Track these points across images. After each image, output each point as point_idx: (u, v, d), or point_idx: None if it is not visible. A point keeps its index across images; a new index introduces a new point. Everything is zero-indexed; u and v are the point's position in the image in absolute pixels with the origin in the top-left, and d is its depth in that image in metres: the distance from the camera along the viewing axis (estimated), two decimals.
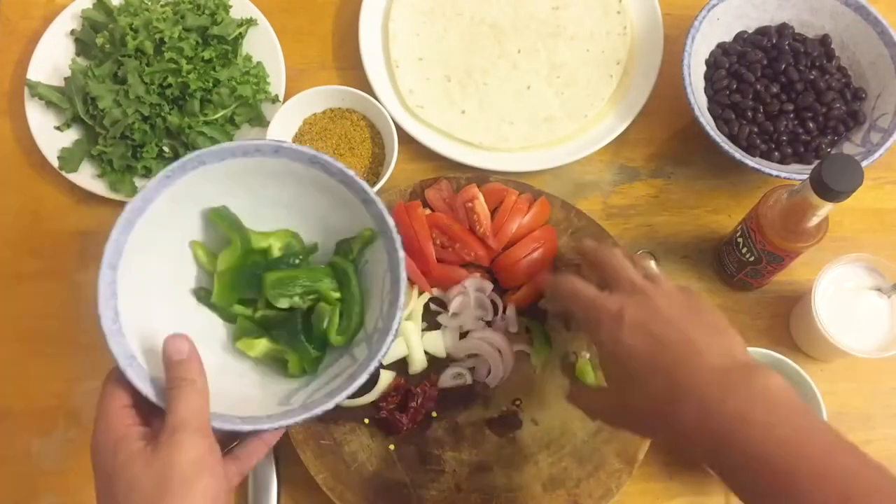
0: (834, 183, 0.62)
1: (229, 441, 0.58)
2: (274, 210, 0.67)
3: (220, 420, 0.55)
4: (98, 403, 0.55)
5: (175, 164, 0.60)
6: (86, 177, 0.83)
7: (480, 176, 0.83)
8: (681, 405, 0.53)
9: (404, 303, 0.60)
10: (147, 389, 0.55)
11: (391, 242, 0.61)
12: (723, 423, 0.51)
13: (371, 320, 0.65)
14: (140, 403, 0.55)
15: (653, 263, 0.75)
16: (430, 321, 0.77)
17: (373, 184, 0.81)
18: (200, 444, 0.51)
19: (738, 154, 0.79)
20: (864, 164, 0.76)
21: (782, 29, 0.85)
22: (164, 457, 0.50)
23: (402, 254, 0.61)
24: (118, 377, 0.56)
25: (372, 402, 0.74)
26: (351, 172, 0.62)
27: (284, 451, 0.76)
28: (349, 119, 0.85)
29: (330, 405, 0.57)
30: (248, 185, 0.64)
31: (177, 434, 0.51)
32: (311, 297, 0.66)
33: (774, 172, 0.79)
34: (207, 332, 0.65)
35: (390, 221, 0.61)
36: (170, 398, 0.53)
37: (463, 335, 0.77)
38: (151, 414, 0.55)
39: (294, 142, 0.84)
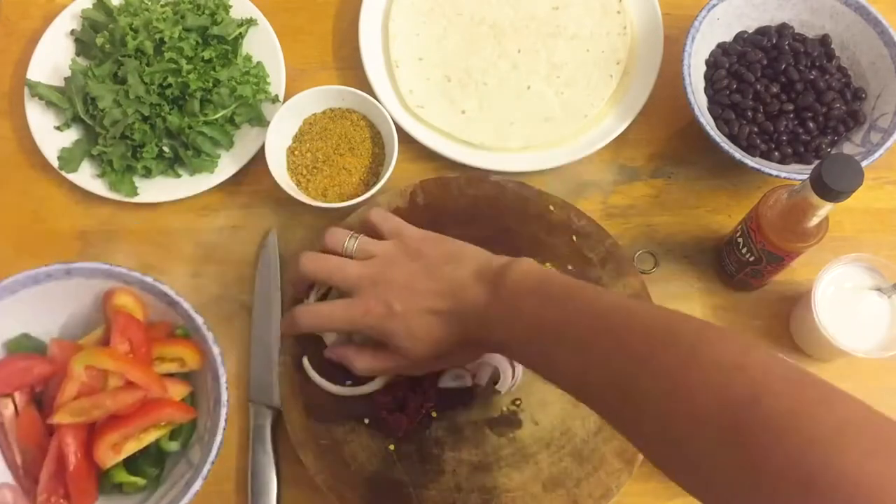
0: (834, 183, 0.62)
1: None
2: (84, 321, 0.69)
3: None
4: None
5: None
6: (86, 177, 0.83)
7: (479, 175, 0.83)
8: (481, 332, 0.61)
9: (227, 398, 0.65)
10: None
11: (203, 340, 0.63)
12: (498, 334, 0.60)
13: (201, 421, 0.67)
14: None
15: (650, 260, 0.74)
16: None
17: (373, 184, 0.81)
18: None
19: (738, 154, 0.79)
20: (864, 164, 0.76)
21: (782, 29, 0.85)
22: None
23: (216, 350, 0.64)
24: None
25: (371, 401, 0.74)
26: (148, 279, 0.64)
27: (284, 451, 0.76)
28: (349, 119, 0.85)
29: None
30: (49, 307, 0.65)
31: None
32: None
33: (774, 172, 0.79)
34: None
35: (199, 319, 0.64)
36: None
37: None
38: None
39: (293, 142, 0.84)
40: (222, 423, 0.64)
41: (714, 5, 0.83)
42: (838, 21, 0.85)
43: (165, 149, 0.82)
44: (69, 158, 0.82)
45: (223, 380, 0.65)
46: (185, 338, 0.69)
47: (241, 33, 0.86)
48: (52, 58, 0.86)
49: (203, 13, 0.85)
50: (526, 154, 0.86)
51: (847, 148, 0.82)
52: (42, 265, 0.82)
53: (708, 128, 0.79)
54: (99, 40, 0.83)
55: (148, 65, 0.81)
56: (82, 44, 0.87)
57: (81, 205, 0.85)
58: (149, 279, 0.63)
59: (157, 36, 0.81)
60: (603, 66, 0.88)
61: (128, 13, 0.84)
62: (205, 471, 0.63)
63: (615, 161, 0.88)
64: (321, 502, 0.73)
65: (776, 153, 0.82)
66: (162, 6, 0.86)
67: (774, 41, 0.85)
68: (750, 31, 0.86)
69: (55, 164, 0.82)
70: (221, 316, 0.81)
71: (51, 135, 0.84)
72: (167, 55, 0.81)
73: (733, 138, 0.82)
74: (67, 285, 0.64)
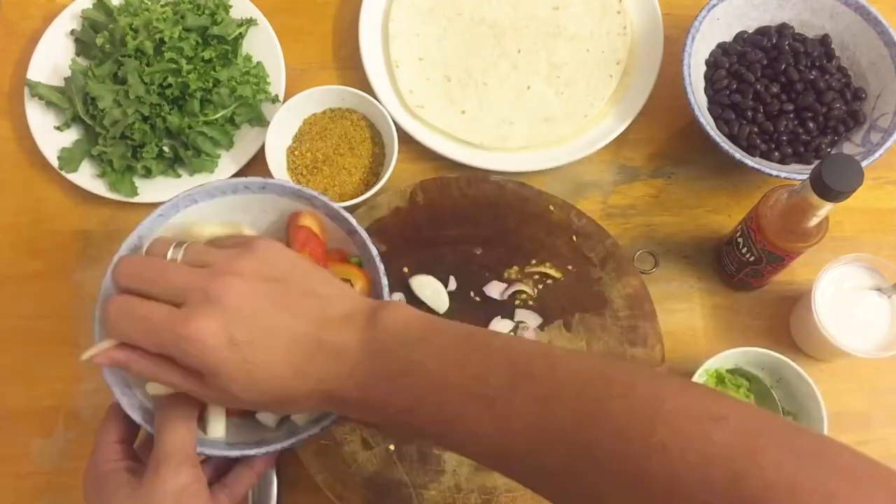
0: (834, 183, 0.62)
1: (224, 468, 0.58)
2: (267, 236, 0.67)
3: (207, 446, 0.55)
4: (95, 437, 0.56)
5: (167, 203, 0.60)
6: (86, 177, 0.83)
7: (479, 175, 0.83)
8: (336, 390, 0.48)
9: None
10: (141, 419, 0.56)
11: (375, 270, 0.62)
12: (376, 393, 0.47)
13: None
14: (132, 439, 0.56)
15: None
16: None
17: (373, 184, 0.81)
18: (185, 474, 0.51)
19: (738, 154, 0.79)
20: (864, 164, 0.76)
21: (782, 29, 0.85)
22: (147, 488, 0.50)
23: (384, 280, 0.61)
24: (113, 413, 0.57)
25: None
26: (334, 205, 0.62)
27: (284, 451, 0.76)
28: (349, 119, 0.85)
29: (315, 430, 0.57)
30: (238, 217, 0.64)
31: (161, 467, 0.51)
32: None
33: (774, 172, 0.79)
34: None
35: (373, 250, 0.62)
36: (157, 430, 0.53)
37: None
38: (146, 449, 0.55)
39: (293, 142, 0.84)
40: None
41: (714, 5, 0.83)
42: (838, 21, 0.85)
43: (165, 149, 0.82)
44: (69, 158, 0.82)
45: None
46: (358, 265, 0.67)
47: (241, 33, 0.86)
48: (52, 58, 0.86)
49: (203, 13, 0.85)
50: (526, 154, 0.86)
51: (847, 148, 0.82)
52: (42, 265, 0.82)
53: (708, 128, 0.79)
54: (99, 40, 0.83)
55: (148, 65, 0.81)
56: (82, 44, 0.87)
57: (81, 205, 0.85)
58: (334, 205, 0.62)
59: (157, 36, 0.81)
60: (603, 66, 0.88)
61: (128, 13, 0.84)
62: None
63: (615, 161, 0.88)
64: (321, 502, 0.73)
65: (776, 153, 0.82)
66: (162, 6, 0.86)
67: (774, 41, 0.85)
68: (750, 31, 0.86)
69: (55, 164, 0.82)
70: None
71: (51, 135, 0.84)
72: (167, 55, 0.81)
73: (733, 138, 0.82)
74: (259, 199, 0.64)
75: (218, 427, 0.57)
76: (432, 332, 0.48)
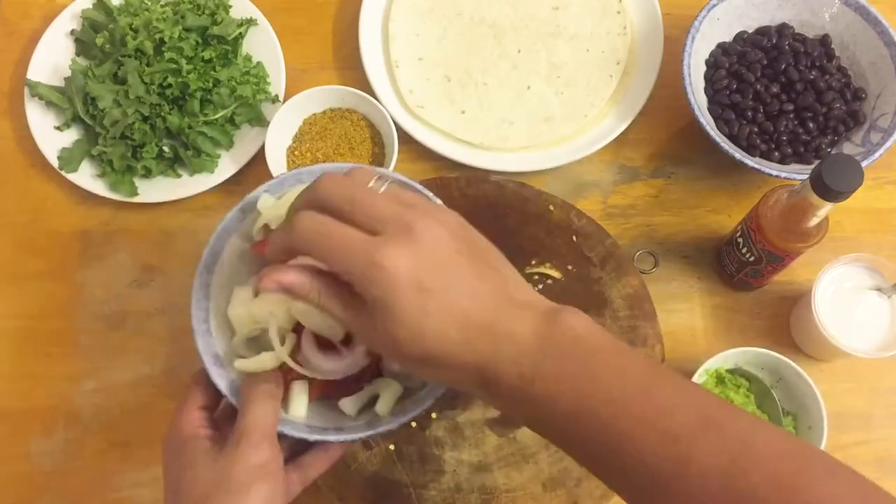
0: (834, 183, 0.62)
1: (297, 449, 0.59)
2: None
3: (288, 426, 0.56)
4: (177, 403, 0.56)
5: (273, 181, 0.61)
6: (86, 177, 0.83)
7: (479, 175, 0.83)
8: (493, 371, 0.46)
9: None
10: (226, 390, 0.56)
11: None
12: (540, 388, 0.45)
13: None
14: (214, 408, 0.57)
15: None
16: None
17: None
18: (264, 451, 0.52)
19: (738, 154, 0.79)
20: (864, 164, 0.76)
21: (782, 29, 0.85)
22: (227, 460, 0.51)
23: None
24: (200, 379, 0.57)
25: None
26: (428, 193, 0.61)
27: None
28: (349, 119, 0.85)
29: (394, 425, 0.57)
30: None
31: (242, 440, 0.51)
32: None
33: (774, 172, 0.79)
34: None
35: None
36: (243, 403, 0.54)
37: None
38: (227, 420, 0.56)
39: (293, 142, 0.84)
40: None
41: (714, 5, 0.83)
42: (838, 21, 0.85)
43: (165, 149, 0.82)
44: (69, 158, 0.82)
45: None
46: None
47: (241, 33, 0.86)
48: (52, 58, 0.86)
49: (203, 13, 0.85)
50: (526, 154, 0.86)
51: (847, 148, 0.82)
52: (42, 265, 0.82)
53: (708, 128, 0.79)
54: (99, 40, 0.83)
55: (148, 65, 0.81)
56: (82, 44, 0.87)
57: (81, 205, 0.85)
58: (428, 193, 0.61)
59: (157, 36, 0.81)
60: (603, 66, 0.88)
61: (128, 13, 0.84)
62: (440, 390, 0.59)
63: (615, 161, 0.88)
64: (321, 502, 0.73)
65: (776, 153, 0.82)
66: (162, 6, 0.86)
67: (774, 41, 0.85)
68: (750, 31, 0.86)
69: (55, 164, 0.82)
70: None
71: (51, 135, 0.84)
72: (167, 55, 0.81)
73: (733, 138, 0.82)
74: None
75: (300, 407, 0.58)
76: (614, 349, 0.46)
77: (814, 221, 0.68)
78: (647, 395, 0.44)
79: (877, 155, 0.78)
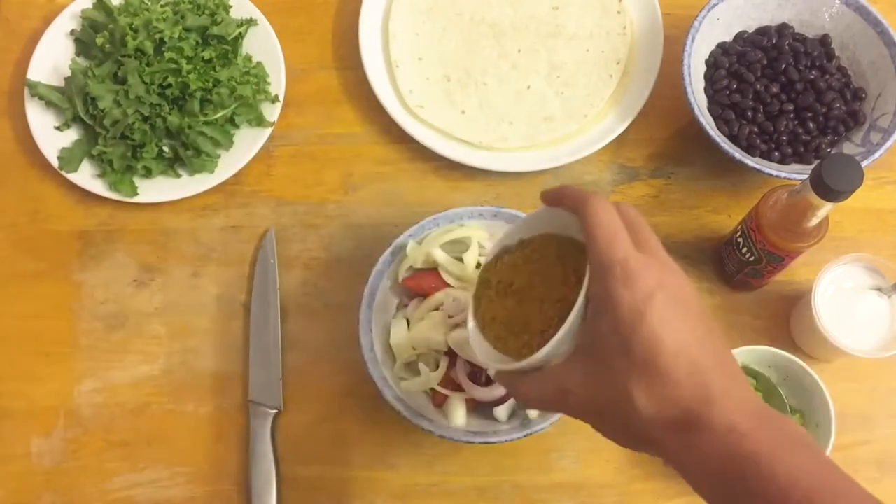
0: (834, 183, 0.62)
1: None
2: None
3: (452, 433, 0.70)
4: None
5: (415, 226, 0.75)
6: (86, 177, 0.83)
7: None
8: (704, 419, 0.44)
9: None
10: (393, 400, 0.71)
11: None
12: (750, 446, 0.44)
13: None
14: None
15: None
16: None
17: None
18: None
19: (738, 154, 0.79)
20: (864, 164, 0.76)
21: (782, 29, 0.85)
22: None
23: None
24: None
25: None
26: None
27: (284, 451, 0.76)
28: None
29: (545, 425, 0.70)
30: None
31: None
32: None
33: (774, 172, 0.79)
34: None
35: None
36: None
37: None
38: None
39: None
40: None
41: (714, 5, 0.83)
42: (838, 21, 0.85)
43: (165, 149, 0.82)
44: (69, 158, 0.82)
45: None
46: None
47: (241, 33, 0.86)
48: (52, 58, 0.86)
49: (203, 13, 0.85)
50: (526, 154, 0.86)
51: (847, 148, 0.82)
52: (42, 265, 0.82)
53: (708, 128, 0.79)
54: (99, 40, 0.83)
55: (148, 65, 0.81)
56: (82, 44, 0.87)
57: (81, 205, 0.85)
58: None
59: (157, 36, 0.81)
60: (603, 65, 0.88)
61: (128, 13, 0.84)
62: None
63: (615, 161, 0.88)
64: (321, 502, 0.73)
65: (776, 153, 0.82)
66: (162, 6, 0.86)
67: (774, 41, 0.85)
68: (750, 31, 0.86)
69: (55, 164, 0.82)
70: (221, 316, 0.81)
71: (51, 135, 0.84)
72: (167, 55, 0.81)
73: (733, 138, 0.82)
74: (490, 224, 0.77)
75: (459, 416, 0.72)
76: (799, 454, 0.44)
77: (814, 221, 0.68)
78: (864, 494, 0.43)
79: (877, 155, 0.78)
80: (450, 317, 0.72)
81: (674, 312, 0.46)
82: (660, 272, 0.47)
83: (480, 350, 0.56)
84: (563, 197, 0.52)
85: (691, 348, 0.45)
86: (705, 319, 0.48)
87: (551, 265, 0.55)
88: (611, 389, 0.46)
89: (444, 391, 0.72)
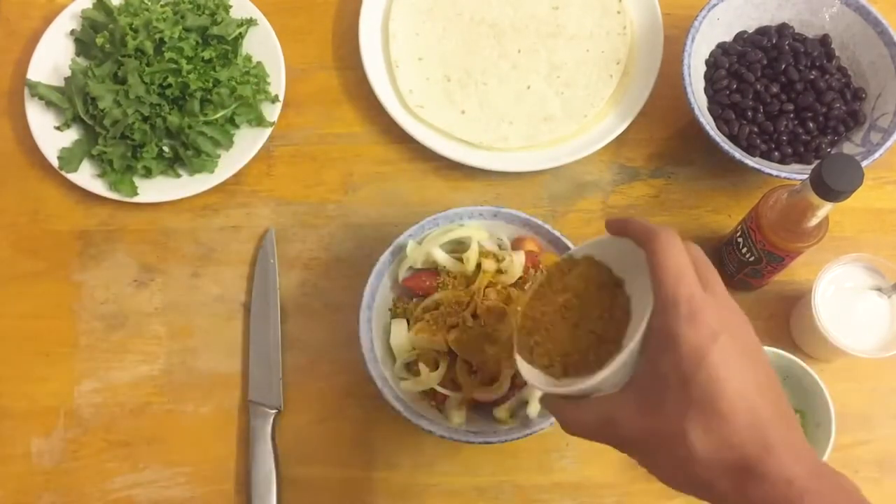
0: (834, 183, 0.62)
1: None
2: None
3: (452, 433, 0.70)
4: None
5: (416, 226, 0.75)
6: (86, 177, 0.83)
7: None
8: (762, 469, 0.44)
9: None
10: (393, 400, 0.70)
11: None
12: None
13: None
14: None
15: None
16: None
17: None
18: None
19: (738, 154, 0.79)
20: (864, 163, 0.76)
21: (782, 29, 0.85)
22: None
23: None
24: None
25: None
26: (555, 232, 0.75)
27: (284, 451, 0.76)
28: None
29: (545, 426, 0.70)
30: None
31: None
32: None
33: (774, 172, 0.79)
34: None
35: None
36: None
37: None
38: None
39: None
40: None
41: (714, 5, 0.83)
42: (838, 21, 0.85)
43: (165, 149, 0.82)
44: (69, 158, 0.82)
45: None
46: None
47: (241, 33, 0.86)
48: (52, 58, 0.86)
49: (203, 13, 0.85)
50: (526, 154, 0.86)
51: (847, 148, 0.82)
52: (42, 265, 0.82)
53: (708, 128, 0.79)
54: (99, 40, 0.83)
55: (148, 65, 0.81)
56: (82, 44, 0.87)
57: (81, 205, 0.85)
58: (555, 232, 0.75)
59: (157, 36, 0.81)
60: (603, 65, 0.88)
61: (128, 13, 0.84)
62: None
63: (615, 161, 0.88)
64: (321, 502, 0.73)
65: (776, 153, 0.82)
66: (162, 6, 0.86)
67: (774, 41, 0.85)
68: (750, 31, 0.86)
69: (55, 164, 0.82)
70: (221, 316, 0.81)
71: (51, 135, 0.84)
72: (167, 55, 0.81)
73: (733, 138, 0.82)
74: (490, 224, 0.77)
75: (458, 417, 0.72)
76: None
77: (814, 221, 0.68)
78: None
79: (877, 155, 0.78)
80: (449, 316, 0.72)
81: (737, 356, 0.46)
82: (726, 314, 0.47)
83: (528, 373, 0.55)
84: (630, 227, 0.52)
85: (752, 394, 0.45)
86: (767, 366, 0.48)
87: (597, 293, 0.55)
88: (665, 426, 0.46)
89: (444, 391, 0.72)
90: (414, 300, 0.76)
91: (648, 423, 0.47)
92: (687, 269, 0.48)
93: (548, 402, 0.56)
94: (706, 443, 0.44)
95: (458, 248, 0.76)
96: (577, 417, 0.52)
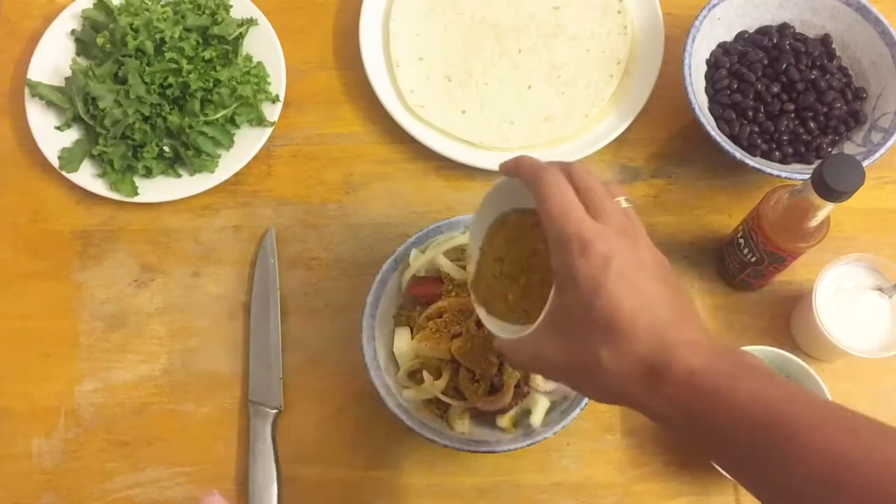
0: (835, 183, 0.62)
1: None
2: None
3: (456, 442, 0.70)
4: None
5: (419, 233, 0.75)
6: (86, 177, 0.83)
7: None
8: (666, 369, 0.47)
9: None
10: (396, 409, 0.70)
11: None
12: (711, 382, 0.46)
13: None
14: None
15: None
16: None
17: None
18: None
19: (739, 154, 0.78)
20: (865, 163, 0.76)
21: (783, 29, 0.85)
22: None
23: None
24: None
25: None
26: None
27: (284, 451, 0.76)
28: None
29: (548, 434, 0.70)
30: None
31: None
32: None
33: (775, 172, 0.79)
34: None
35: None
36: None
37: None
38: None
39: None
40: None
41: (715, 5, 0.83)
42: (839, 21, 0.85)
43: (166, 149, 0.82)
44: (69, 158, 0.82)
45: None
46: None
47: (241, 33, 0.86)
48: (53, 58, 0.86)
49: (203, 13, 0.85)
50: (526, 153, 0.86)
51: (848, 148, 0.82)
52: (42, 265, 0.82)
53: (708, 128, 0.79)
54: (99, 40, 0.83)
55: (148, 65, 0.81)
56: (83, 44, 0.87)
57: (81, 205, 0.85)
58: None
59: (158, 36, 0.81)
60: (603, 65, 0.88)
61: (128, 13, 0.84)
62: (584, 401, 0.70)
63: (616, 161, 0.88)
64: (321, 502, 0.73)
65: (777, 153, 0.82)
66: (162, 6, 0.86)
67: (775, 41, 0.85)
68: (751, 31, 0.86)
69: (55, 164, 0.82)
70: (221, 316, 0.81)
71: (51, 135, 0.84)
72: (167, 55, 0.81)
73: (734, 138, 0.82)
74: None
75: (462, 425, 0.71)
76: (764, 377, 0.48)
77: (815, 221, 0.68)
78: (824, 402, 0.46)
79: (878, 155, 0.78)
80: (453, 324, 0.72)
81: (631, 274, 0.49)
82: (613, 239, 0.50)
83: (489, 322, 0.59)
84: (520, 170, 0.55)
85: (649, 305, 0.49)
86: (663, 272, 0.51)
87: (530, 239, 0.58)
88: (580, 356, 0.50)
89: (448, 400, 0.71)
90: (418, 308, 0.75)
91: (566, 356, 0.51)
92: (572, 205, 0.51)
93: (498, 342, 0.58)
94: (616, 362, 0.48)
95: (461, 255, 0.75)
96: (515, 354, 0.56)
